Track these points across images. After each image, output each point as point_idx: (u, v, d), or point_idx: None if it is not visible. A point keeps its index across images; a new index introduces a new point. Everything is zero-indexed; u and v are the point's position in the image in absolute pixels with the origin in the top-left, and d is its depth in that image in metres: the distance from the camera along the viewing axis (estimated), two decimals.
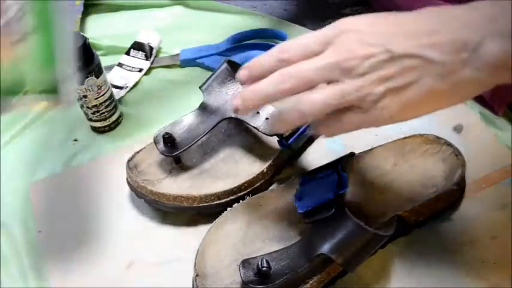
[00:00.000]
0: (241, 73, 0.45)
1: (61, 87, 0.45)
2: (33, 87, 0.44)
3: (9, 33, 0.42)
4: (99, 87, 0.65)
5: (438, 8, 0.40)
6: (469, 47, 0.37)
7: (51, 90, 0.45)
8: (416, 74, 0.38)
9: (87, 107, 0.67)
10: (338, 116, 0.42)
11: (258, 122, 0.59)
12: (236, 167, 0.61)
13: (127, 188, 0.61)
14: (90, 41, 0.72)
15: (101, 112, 0.68)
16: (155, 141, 0.61)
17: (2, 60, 0.43)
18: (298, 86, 0.42)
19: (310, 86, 0.42)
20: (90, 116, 0.69)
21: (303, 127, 0.59)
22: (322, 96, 0.41)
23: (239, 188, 0.59)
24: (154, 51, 0.78)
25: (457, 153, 0.58)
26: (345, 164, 0.56)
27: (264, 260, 0.51)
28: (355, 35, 0.40)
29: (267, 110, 0.59)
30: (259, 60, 0.45)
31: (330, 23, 0.42)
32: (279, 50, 0.44)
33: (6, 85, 0.43)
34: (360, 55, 0.39)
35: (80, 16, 0.82)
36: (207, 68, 0.77)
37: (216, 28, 0.81)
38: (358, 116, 0.41)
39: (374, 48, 0.39)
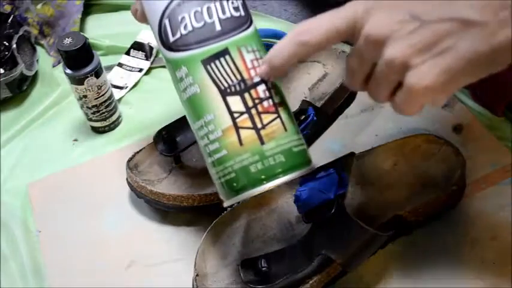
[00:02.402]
0: (262, 70, 0.42)
1: (309, 156, 0.43)
2: (286, 165, 0.41)
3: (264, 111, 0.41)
4: (99, 87, 0.65)
5: None
6: (508, 5, 0.34)
7: (309, 159, 0.43)
8: (453, 38, 0.35)
9: (87, 107, 0.67)
10: (394, 96, 0.39)
11: None
12: None
13: (127, 188, 0.61)
14: (90, 41, 0.73)
15: (101, 112, 0.68)
16: (155, 141, 0.61)
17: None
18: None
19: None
20: (90, 116, 0.69)
21: (302, 125, 0.59)
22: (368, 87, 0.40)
23: None
24: (154, 51, 0.78)
25: (457, 153, 0.58)
26: (345, 164, 0.56)
27: (264, 260, 0.51)
28: (382, 8, 0.37)
29: None
30: (277, 50, 0.41)
31: None
32: (297, 33, 0.40)
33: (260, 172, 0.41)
34: (390, 26, 0.36)
35: (80, 16, 0.82)
36: None
37: None
38: (401, 92, 0.38)
39: (404, 16, 0.36)
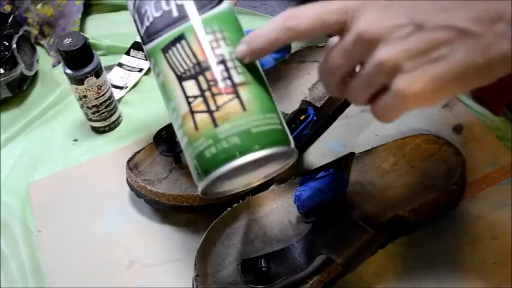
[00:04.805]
0: (239, 49, 0.40)
1: (289, 134, 0.41)
2: (241, 147, 0.38)
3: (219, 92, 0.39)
4: (99, 87, 0.65)
5: None
6: (504, 17, 0.34)
7: (278, 141, 0.40)
8: (448, 47, 0.35)
9: (87, 107, 0.67)
10: (376, 101, 0.38)
11: None
12: None
13: (127, 188, 0.61)
14: (90, 41, 0.73)
15: (101, 112, 0.68)
16: (155, 141, 0.61)
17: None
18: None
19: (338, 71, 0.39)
20: (90, 116, 0.69)
21: (302, 125, 0.59)
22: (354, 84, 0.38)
23: None
24: None
25: (457, 153, 0.58)
26: (345, 164, 0.56)
27: (264, 260, 0.51)
28: (377, 7, 0.36)
29: None
30: (260, 32, 0.39)
31: None
32: (284, 17, 0.38)
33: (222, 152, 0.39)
34: (385, 27, 0.35)
35: (80, 16, 0.82)
36: None
37: None
38: (386, 96, 0.37)
39: (400, 20, 0.35)
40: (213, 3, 0.41)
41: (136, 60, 0.78)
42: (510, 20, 0.34)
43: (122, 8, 0.86)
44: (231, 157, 0.38)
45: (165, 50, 0.40)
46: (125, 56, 0.79)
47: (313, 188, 0.55)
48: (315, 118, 0.58)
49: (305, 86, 0.64)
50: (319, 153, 0.64)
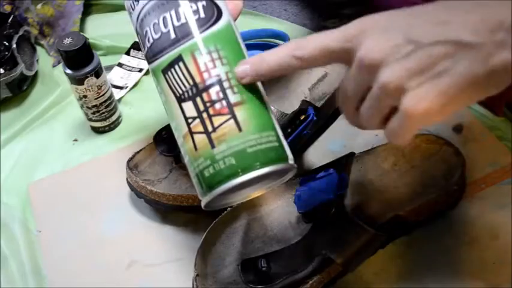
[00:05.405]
0: (242, 69, 0.41)
1: (287, 151, 0.41)
2: (237, 167, 0.39)
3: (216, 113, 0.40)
4: (99, 87, 0.65)
5: None
6: (504, 25, 0.34)
7: (275, 159, 0.40)
8: (449, 61, 0.35)
9: (87, 107, 0.67)
10: (387, 124, 0.38)
11: None
12: None
13: (127, 188, 0.61)
14: (90, 41, 0.73)
15: (101, 112, 0.68)
16: (155, 141, 0.61)
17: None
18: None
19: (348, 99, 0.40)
20: (90, 116, 0.69)
21: (302, 125, 0.59)
22: (364, 112, 0.39)
23: None
24: None
25: (457, 153, 0.58)
26: (345, 164, 0.56)
27: (264, 260, 0.51)
28: (376, 31, 0.37)
29: None
30: (266, 57, 0.40)
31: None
32: (293, 47, 0.39)
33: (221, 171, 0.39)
34: (384, 50, 0.36)
35: (80, 16, 0.82)
36: None
37: None
38: (396, 117, 0.37)
39: (398, 40, 0.36)
40: (210, 21, 0.42)
41: (136, 60, 0.78)
42: (509, 28, 0.34)
43: (122, 8, 0.86)
44: (230, 176, 0.39)
45: (165, 71, 0.42)
46: (124, 56, 0.79)
47: (313, 188, 0.55)
48: (315, 118, 0.58)
49: (305, 86, 0.64)
50: (319, 153, 0.64)
